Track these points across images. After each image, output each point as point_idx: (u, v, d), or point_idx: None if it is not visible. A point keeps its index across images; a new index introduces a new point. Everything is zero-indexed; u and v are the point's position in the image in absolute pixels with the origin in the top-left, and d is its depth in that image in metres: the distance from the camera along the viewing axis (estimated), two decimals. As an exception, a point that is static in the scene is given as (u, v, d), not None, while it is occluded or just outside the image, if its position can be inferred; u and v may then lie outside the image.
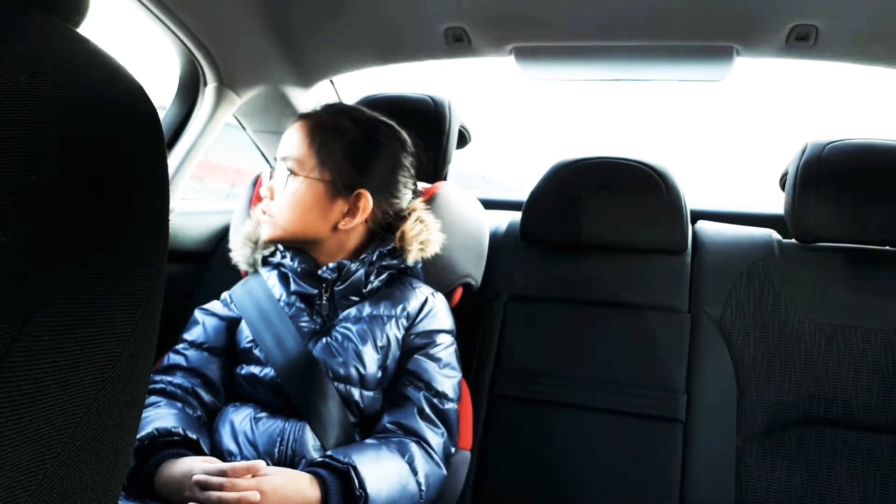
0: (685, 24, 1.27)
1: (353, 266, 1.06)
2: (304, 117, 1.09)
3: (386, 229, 1.12)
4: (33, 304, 0.31)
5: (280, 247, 1.12)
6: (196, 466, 0.86)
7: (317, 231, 1.07)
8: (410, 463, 0.95)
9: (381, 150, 1.10)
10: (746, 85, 1.90)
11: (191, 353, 1.06)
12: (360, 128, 1.09)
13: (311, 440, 0.95)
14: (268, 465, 0.93)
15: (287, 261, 1.09)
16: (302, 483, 0.87)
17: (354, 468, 0.88)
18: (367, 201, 1.07)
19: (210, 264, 1.44)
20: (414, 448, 0.97)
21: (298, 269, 1.07)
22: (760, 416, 1.13)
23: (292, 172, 1.04)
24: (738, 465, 1.11)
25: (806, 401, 1.13)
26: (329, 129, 1.08)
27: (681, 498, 1.11)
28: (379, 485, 0.89)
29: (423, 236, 1.10)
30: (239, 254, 1.17)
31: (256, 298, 1.08)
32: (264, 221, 1.07)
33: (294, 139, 1.07)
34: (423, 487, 0.95)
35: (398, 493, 0.91)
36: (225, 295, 1.14)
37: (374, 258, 1.07)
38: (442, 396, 1.02)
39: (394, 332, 1.04)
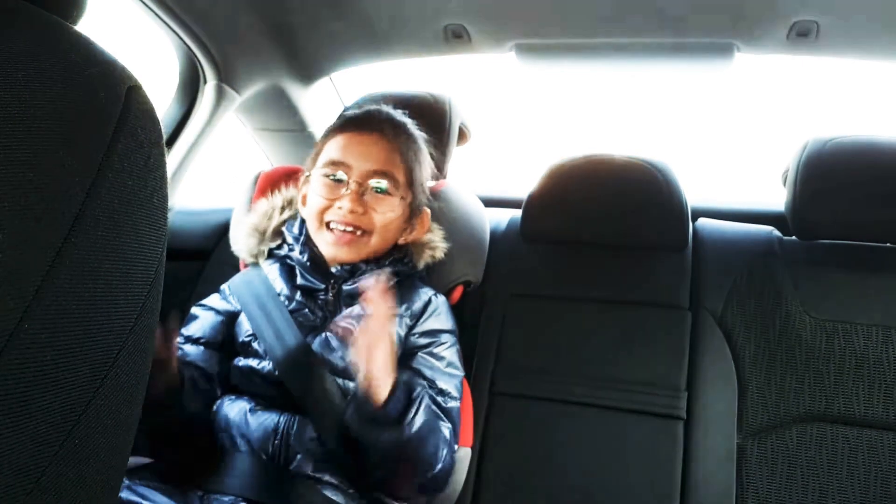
0: (686, 21, 1.27)
1: (367, 271, 1.06)
2: (382, 128, 1.08)
3: None
4: (30, 302, 0.31)
5: (289, 239, 1.12)
6: None
7: (388, 248, 1.10)
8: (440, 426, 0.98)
9: (428, 160, 1.16)
10: (749, 81, 1.90)
11: (188, 347, 1.06)
12: (424, 145, 1.14)
13: (306, 433, 0.95)
14: (261, 459, 0.93)
15: (295, 254, 1.09)
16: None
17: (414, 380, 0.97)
18: (428, 218, 1.14)
19: (210, 262, 1.44)
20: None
21: (308, 264, 1.07)
22: (761, 413, 1.13)
23: (387, 192, 1.05)
24: (739, 462, 1.11)
25: (807, 398, 1.12)
26: (415, 148, 1.11)
27: (682, 495, 1.11)
28: (427, 405, 0.94)
29: (433, 243, 1.14)
30: (243, 244, 1.16)
31: (255, 290, 1.07)
32: (346, 241, 1.03)
33: (383, 153, 1.06)
34: (448, 447, 0.97)
35: (434, 424, 0.95)
36: (224, 287, 1.13)
37: (388, 264, 1.08)
38: (445, 394, 1.02)
39: (398, 329, 1.04)
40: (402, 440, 0.90)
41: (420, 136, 1.15)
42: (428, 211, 1.15)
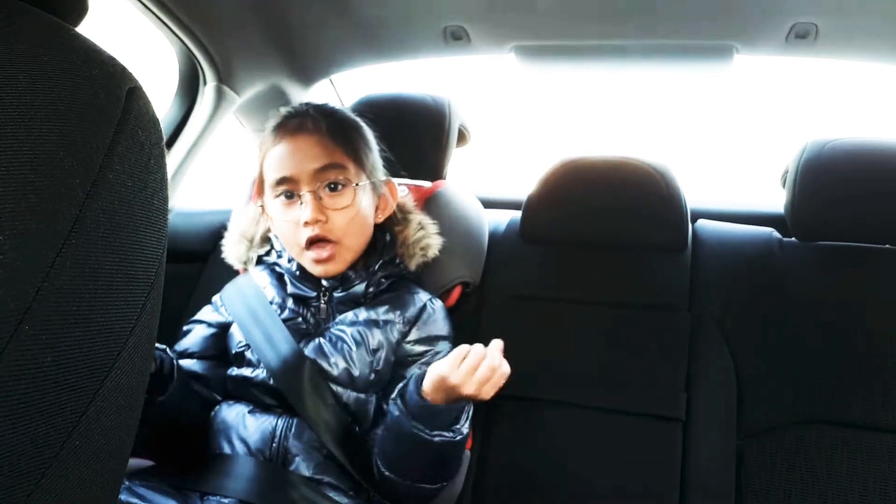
0: (685, 23, 1.27)
1: (357, 279, 1.06)
2: (307, 123, 1.04)
3: (385, 230, 1.12)
4: (30, 303, 0.31)
5: (277, 246, 1.11)
6: None
7: (369, 238, 1.08)
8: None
9: (370, 136, 1.11)
10: (748, 83, 1.90)
11: (183, 361, 1.06)
12: (353, 120, 1.10)
13: (304, 435, 0.95)
14: (259, 461, 0.93)
15: (283, 262, 1.08)
16: None
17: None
18: (394, 189, 1.11)
19: (209, 264, 1.44)
20: None
21: (297, 272, 1.07)
22: (761, 415, 1.13)
23: (342, 185, 1.01)
24: (739, 463, 1.11)
25: (806, 400, 1.12)
26: (350, 129, 1.07)
27: (681, 496, 1.11)
28: (470, 421, 0.94)
29: (424, 241, 1.11)
30: (232, 252, 1.16)
31: (246, 299, 1.07)
32: (324, 258, 1.01)
33: (320, 148, 1.01)
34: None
35: (465, 438, 0.95)
36: (215, 298, 1.13)
37: (377, 268, 1.07)
38: None
39: (389, 336, 1.03)
40: (453, 442, 0.90)
41: (352, 115, 1.11)
42: (392, 182, 1.12)
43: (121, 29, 1.27)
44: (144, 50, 1.38)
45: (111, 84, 0.37)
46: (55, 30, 0.37)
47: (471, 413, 0.93)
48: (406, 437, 0.90)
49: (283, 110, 1.10)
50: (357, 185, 1.03)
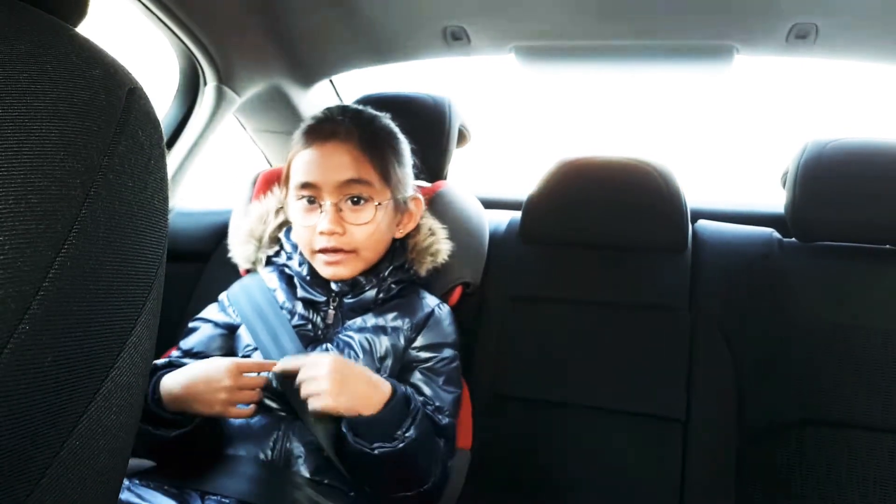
0: (685, 23, 1.27)
1: (367, 285, 1.05)
2: (339, 132, 1.02)
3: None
4: (30, 303, 0.31)
5: (287, 247, 1.11)
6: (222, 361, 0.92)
7: (385, 251, 1.07)
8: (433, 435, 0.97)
9: (404, 149, 1.10)
10: (748, 83, 1.90)
11: (187, 360, 1.05)
12: (389, 131, 1.09)
13: (306, 437, 0.95)
14: (261, 461, 0.93)
15: (294, 264, 1.08)
16: (372, 374, 0.92)
17: (412, 394, 0.94)
18: (420, 204, 1.11)
19: (209, 264, 1.44)
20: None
21: (307, 277, 1.06)
22: (761, 416, 1.13)
23: (364, 199, 1.01)
24: (739, 464, 1.11)
25: (806, 400, 1.12)
26: (383, 142, 1.05)
27: (681, 497, 1.11)
28: (423, 419, 0.92)
29: (434, 247, 1.11)
30: (239, 251, 1.15)
31: (254, 298, 1.06)
32: (335, 261, 1.01)
33: (349, 160, 1.00)
34: (441, 463, 0.96)
35: (428, 439, 0.93)
36: (222, 296, 1.12)
37: (387, 274, 1.07)
38: (441, 412, 1.02)
39: (396, 342, 1.03)
40: (396, 451, 0.88)
41: (389, 125, 1.10)
42: (419, 199, 1.11)
43: (121, 29, 1.27)
44: (144, 50, 1.38)
45: (112, 84, 0.37)
46: (56, 30, 0.37)
47: (418, 417, 0.90)
48: (354, 454, 0.89)
49: (321, 111, 1.08)
50: (379, 204, 1.02)
